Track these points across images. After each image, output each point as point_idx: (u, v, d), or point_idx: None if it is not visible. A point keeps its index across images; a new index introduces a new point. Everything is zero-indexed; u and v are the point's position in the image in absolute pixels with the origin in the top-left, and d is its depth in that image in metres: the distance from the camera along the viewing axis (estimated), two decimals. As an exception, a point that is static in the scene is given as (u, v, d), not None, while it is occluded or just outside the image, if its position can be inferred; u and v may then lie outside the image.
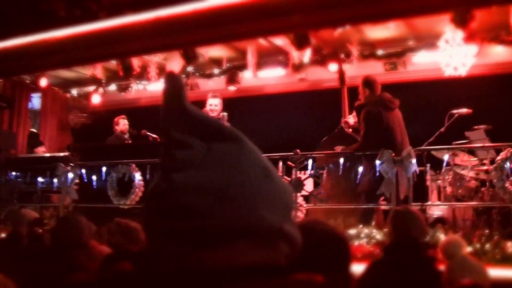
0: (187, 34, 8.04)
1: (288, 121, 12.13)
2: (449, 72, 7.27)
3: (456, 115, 7.27)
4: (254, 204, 0.99)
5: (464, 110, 7.32)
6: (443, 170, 7.56)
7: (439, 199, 7.71)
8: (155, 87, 9.85)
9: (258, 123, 11.90)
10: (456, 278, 3.22)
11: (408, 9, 6.59)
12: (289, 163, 6.81)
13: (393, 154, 5.99)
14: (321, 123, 11.03)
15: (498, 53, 7.83)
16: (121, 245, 3.70)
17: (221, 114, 7.92)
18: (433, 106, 9.46)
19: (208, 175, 0.98)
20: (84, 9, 8.39)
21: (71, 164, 8.00)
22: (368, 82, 6.73)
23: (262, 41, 8.61)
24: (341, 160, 6.49)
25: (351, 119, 7.30)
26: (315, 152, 7.17)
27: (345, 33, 7.90)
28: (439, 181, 7.74)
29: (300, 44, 7.83)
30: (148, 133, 8.59)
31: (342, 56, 8.32)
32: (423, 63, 8.46)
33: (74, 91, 11.37)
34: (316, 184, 7.08)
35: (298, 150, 6.63)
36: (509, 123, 7.71)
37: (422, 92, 9.44)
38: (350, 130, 7.17)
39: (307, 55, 8.53)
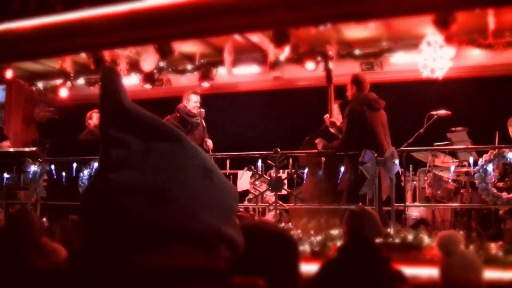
0: (162, 28, 7.86)
1: (263, 119, 12.02)
2: (426, 74, 7.29)
3: (435, 117, 7.30)
4: (192, 206, 0.97)
5: (443, 112, 7.36)
6: (419, 171, 7.62)
7: (413, 200, 7.75)
8: (125, 82, 9.56)
9: (232, 120, 11.76)
10: (457, 275, 3.19)
11: (393, 9, 6.58)
12: (269, 162, 6.71)
13: (376, 154, 5.96)
14: (296, 121, 10.99)
15: (475, 56, 7.91)
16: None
17: (199, 110, 7.79)
18: (410, 107, 9.52)
19: (145, 175, 0.96)
20: (39, 2, 8.13)
21: (39, 160, 7.73)
22: (357, 80, 6.71)
23: (237, 38, 8.46)
24: (323, 159, 6.44)
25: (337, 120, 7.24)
26: (295, 151, 7.10)
27: (323, 32, 7.83)
28: (414, 182, 7.79)
29: (280, 41, 7.71)
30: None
31: (330, 53, 8.23)
32: (401, 64, 8.48)
33: (40, 84, 10.97)
34: (296, 183, 6.98)
35: (278, 149, 6.54)
36: (485, 125, 7.80)
37: (399, 93, 9.46)
38: (335, 129, 7.10)
39: (284, 53, 8.42)
